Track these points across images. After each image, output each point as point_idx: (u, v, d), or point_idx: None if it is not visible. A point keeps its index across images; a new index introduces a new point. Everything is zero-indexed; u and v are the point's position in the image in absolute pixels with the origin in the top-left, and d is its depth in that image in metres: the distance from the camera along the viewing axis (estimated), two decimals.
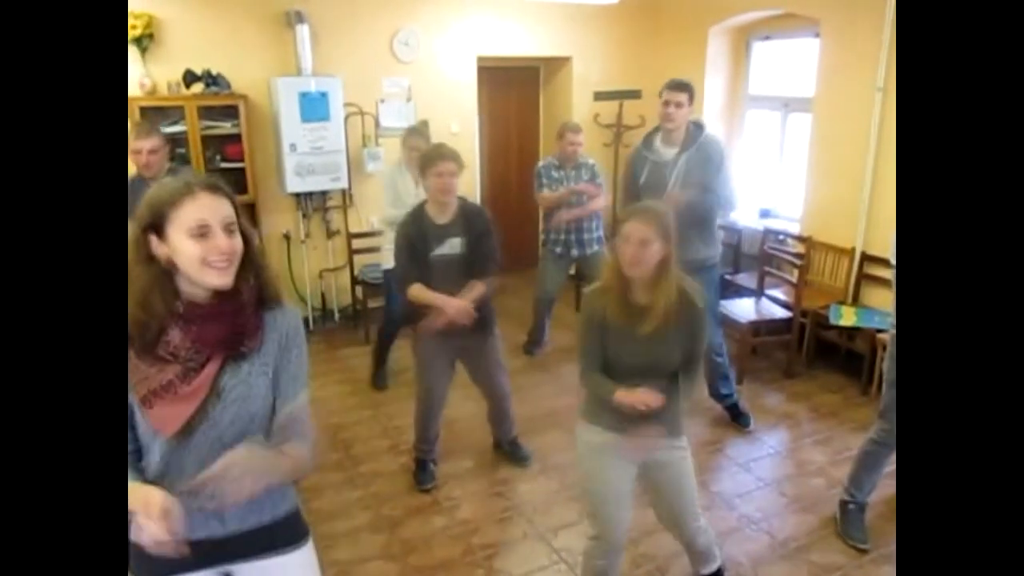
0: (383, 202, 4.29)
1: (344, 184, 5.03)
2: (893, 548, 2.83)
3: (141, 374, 1.35)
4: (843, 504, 2.96)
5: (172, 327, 1.36)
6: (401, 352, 4.51)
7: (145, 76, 4.49)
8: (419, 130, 4.30)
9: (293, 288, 5.31)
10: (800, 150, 5.04)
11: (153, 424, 1.37)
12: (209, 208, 1.34)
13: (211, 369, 1.39)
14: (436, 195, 2.98)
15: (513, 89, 6.29)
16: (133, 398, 1.37)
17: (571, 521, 3.06)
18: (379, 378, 4.43)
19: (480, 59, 5.61)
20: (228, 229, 1.35)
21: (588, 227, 4.51)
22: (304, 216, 5.24)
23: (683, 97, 3.38)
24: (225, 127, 4.68)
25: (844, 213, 4.61)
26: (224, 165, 4.71)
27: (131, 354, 1.34)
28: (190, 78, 4.58)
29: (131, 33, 4.37)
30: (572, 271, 4.86)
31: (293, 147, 4.77)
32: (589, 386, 2.23)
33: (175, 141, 4.39)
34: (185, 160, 4.46)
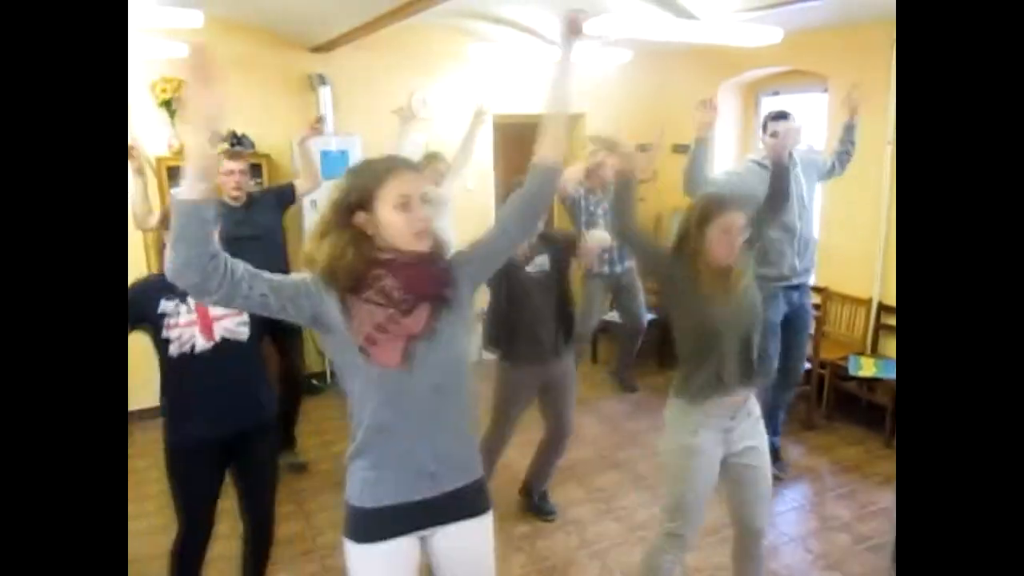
0: None
1: None
2: None
3: (366, 312, 1.53)
4: None
5: (385, 276, 1.53)
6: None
7: (173, 137, 4.64)
8: (437, 155, 4.32)
9: (311, 340, 5.35)
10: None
11: (378, 359, 1.52)
12: (410, 182, 1.55)
13: (424, 311, 1.56)
14: None
15: (527, 145, 6.34)
16: (345, 350, 1.55)
17: None
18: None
19: (495, 116, 5.75)
20: (423, 199, 1.57)
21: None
22: None
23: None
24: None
25: (860, 264, 4.63)
26: None
27: (353, 300, 1.52)
28: (215, 139, 4.72)
29: (161, 96, 4.55)
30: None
31: (314, 204, 4.88)
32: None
33: None
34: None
